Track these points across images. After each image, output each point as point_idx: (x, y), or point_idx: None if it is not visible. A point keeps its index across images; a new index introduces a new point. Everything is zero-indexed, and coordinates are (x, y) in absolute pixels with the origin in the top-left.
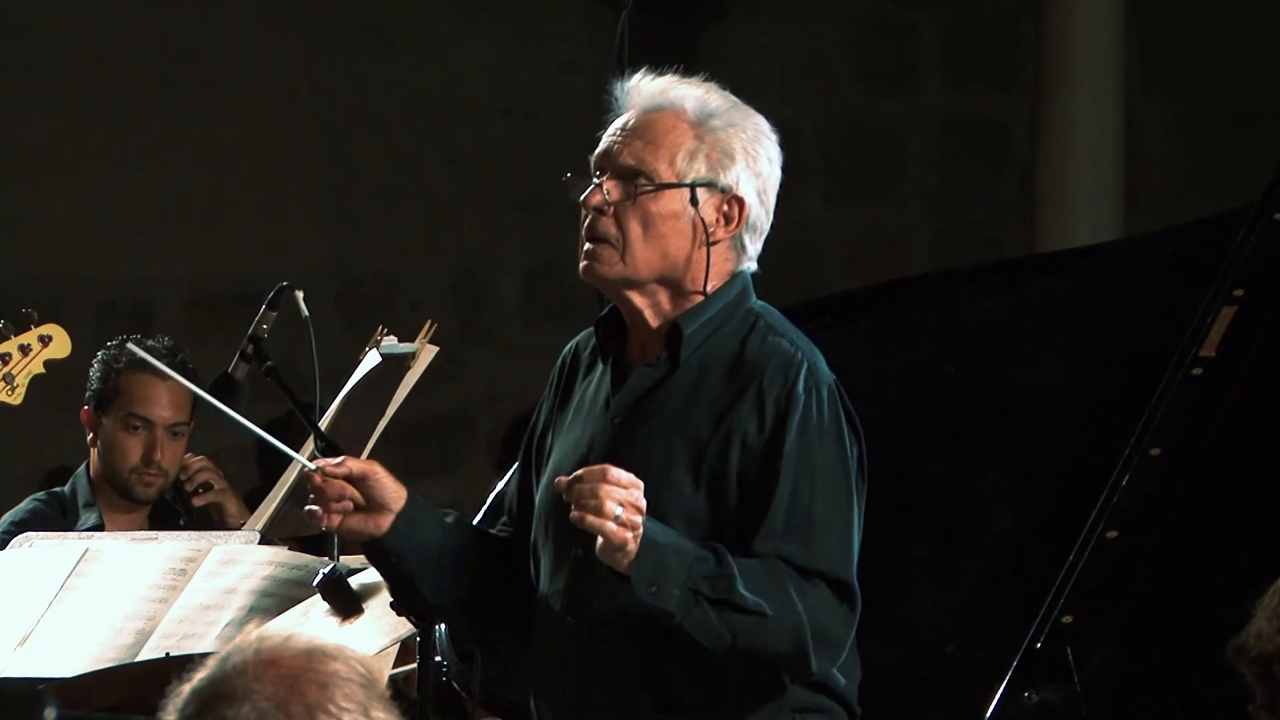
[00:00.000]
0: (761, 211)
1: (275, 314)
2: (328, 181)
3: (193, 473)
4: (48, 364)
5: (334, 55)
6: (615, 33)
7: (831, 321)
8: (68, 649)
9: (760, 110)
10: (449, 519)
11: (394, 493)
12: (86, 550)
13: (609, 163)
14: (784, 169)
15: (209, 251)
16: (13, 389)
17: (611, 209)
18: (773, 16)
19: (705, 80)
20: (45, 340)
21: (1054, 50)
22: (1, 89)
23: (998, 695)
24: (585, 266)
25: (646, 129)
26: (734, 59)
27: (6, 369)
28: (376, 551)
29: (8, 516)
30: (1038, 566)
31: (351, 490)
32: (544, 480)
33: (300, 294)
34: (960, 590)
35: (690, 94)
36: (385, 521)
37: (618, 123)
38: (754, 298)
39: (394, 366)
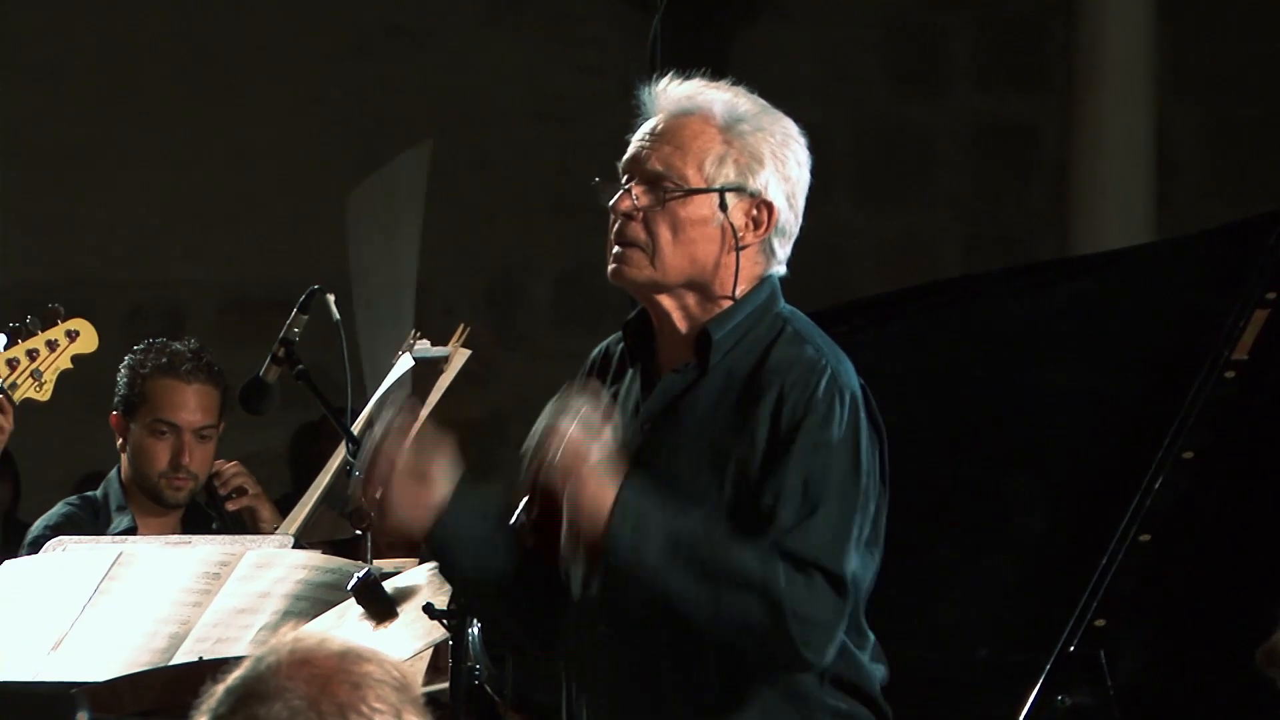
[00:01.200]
0: (790, 215)
1: (306, 317)
2: (357, 185)
3: (226, 478)
4: (76, 359)
5: (364, 59)
6: (646, 36)
7: (862, 325)
8: (101, 652)
9: (790, 114)
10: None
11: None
12: (120, 554)
13: (637, 168)
14: (814, 172)
15: (240, 255)
16: (41, 385)
17: (640, 214)
18: (803, 20)
19: (734, 84)
20: (72, 335)
21: (1085, 53)
22: (32, 93)
23: (1030, 699)
24: (614, 270)
25: (675, 134)
26: (764, 62)
27: (34, 365)
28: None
29: (41, 521)
30: (1069, 570)
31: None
32: None
33: (331, 297)
34: (992, 594)
35: (719, 98)
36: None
37: (645, 127)
38: (782, 302)
39: (427, 370)
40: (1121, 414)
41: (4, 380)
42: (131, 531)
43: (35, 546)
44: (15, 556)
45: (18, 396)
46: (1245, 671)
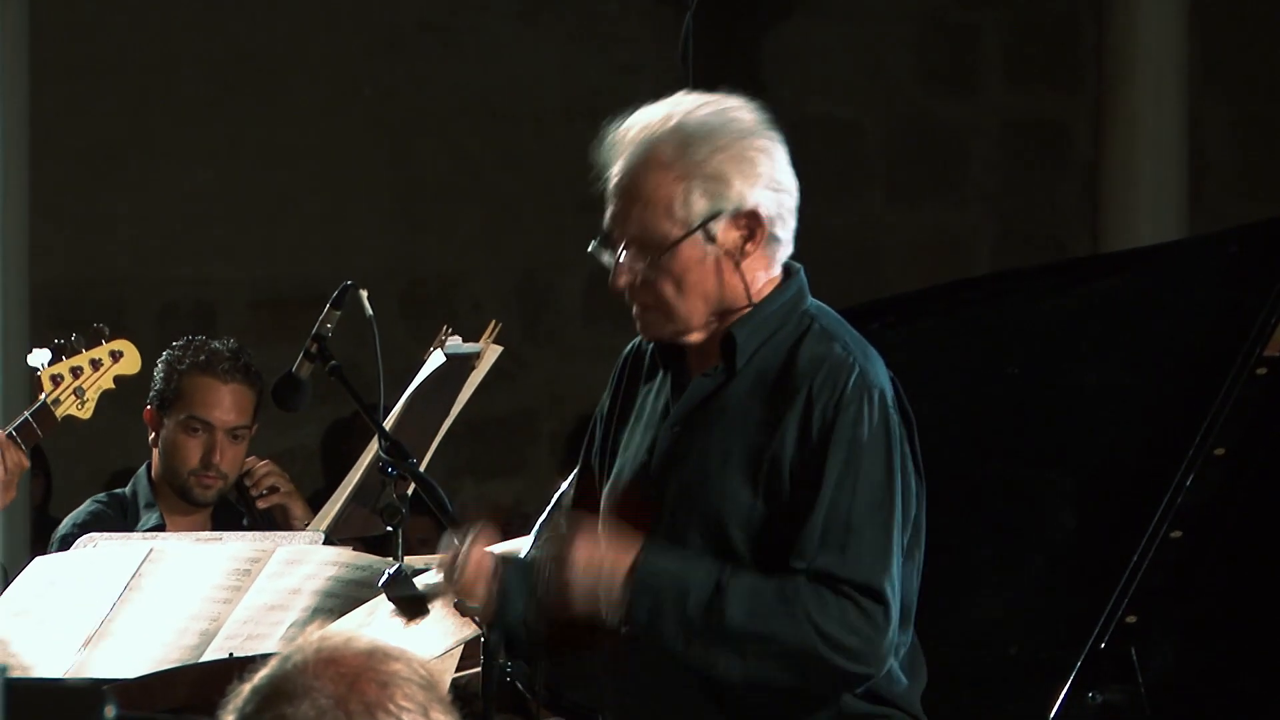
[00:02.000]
0: (777, 203)
1: (339, 313)
2: (390, 182)
3: (258, 477)
4: (117, 379)
5: (396, 56)
6: (678, 33)
7: (894, 322)
8: (132, 649)
9: (822, 111)
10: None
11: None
12: (151, 551)
13: (620, 232)
14: (846, 170)
15: (272, 252)
16: (83, 403)
17: (639, 280)
18: (835, 17)
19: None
20: (116, 356)
21: (1116, 50)
22: (65, 90)
23: (1062, 696)
24: (640, 330)
25: (637, 189)
26: (796, 60)
27: (77, 383)
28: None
29: (69, 518)
30: (1101, 567)
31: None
32: (608, 485)
33: (364, 293)
34: (1023, 591)
35: (663, 134)
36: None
37: (611, 183)
38: (809, 297)
39: (458, 367)
40: (1153, 411)
41: (48, 396)
42: (160, 529)
43: (64, 544)
44: (45, 553)
45: (60, 413)
46: (1276, 668)
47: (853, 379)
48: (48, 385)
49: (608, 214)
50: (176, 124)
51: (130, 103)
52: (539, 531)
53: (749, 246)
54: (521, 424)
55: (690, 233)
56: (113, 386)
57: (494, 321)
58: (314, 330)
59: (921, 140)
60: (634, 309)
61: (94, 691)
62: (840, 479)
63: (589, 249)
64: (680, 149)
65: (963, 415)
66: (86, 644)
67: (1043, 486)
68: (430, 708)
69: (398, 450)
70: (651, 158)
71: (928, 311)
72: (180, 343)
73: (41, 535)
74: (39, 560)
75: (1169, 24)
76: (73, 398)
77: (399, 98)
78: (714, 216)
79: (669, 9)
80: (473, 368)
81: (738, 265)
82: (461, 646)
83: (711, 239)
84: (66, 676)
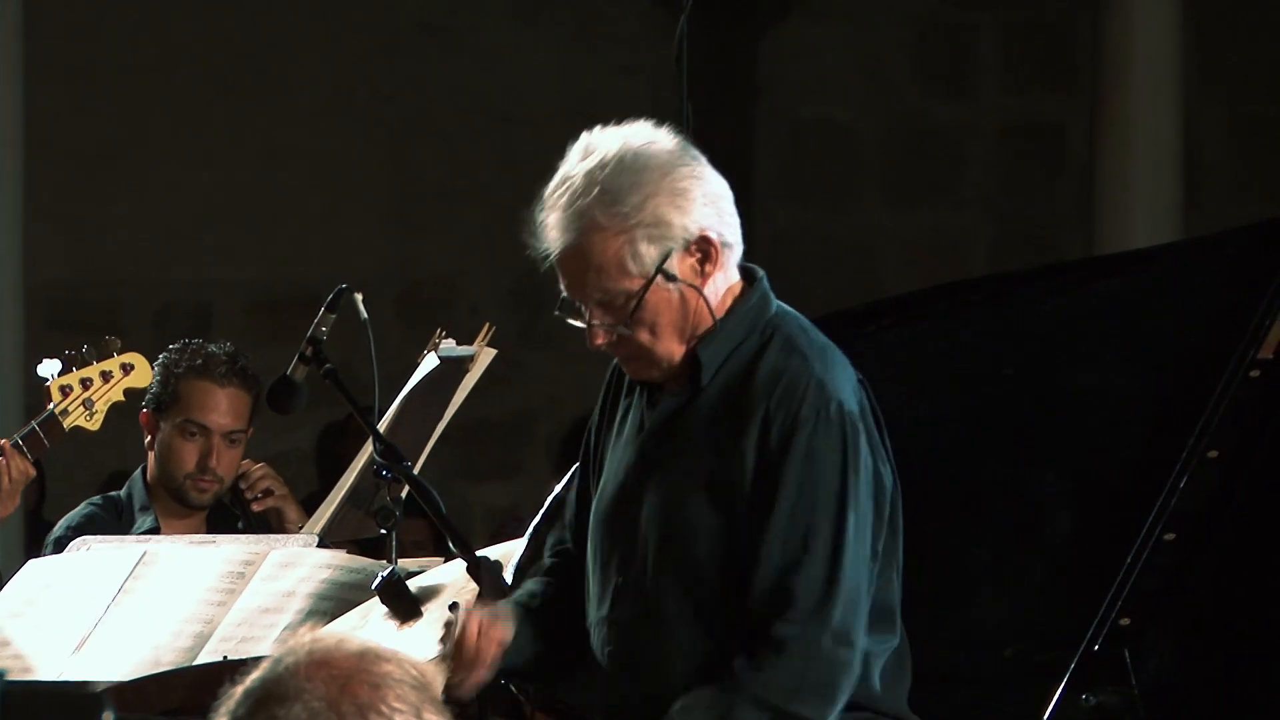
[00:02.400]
0: (717, 216)
1: (334, 316)
2: (387, 185)
3: (253, 480)
4: (127, 392)
5: (393, 59)
6: (674, 35)
7: (891, 324)
8: (125, 652)
9: (818, 113)
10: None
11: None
12: (144, 553)
13: (581, 298)
14: (843, 172)
15: (268, 254)
16: (92, 415)
17: (615, 336)
18: (831, 19)
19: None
20: (127, 369)
21: (1112, 52)
22: (62, 92)
23: (1055, 698)
24: (629, 374)
25: (585, 258)
26: (793, 62)
27: (87, 394)
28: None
29: (64, 521)
30: (1096, 568)
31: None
32: (595, 500)
33: (359, 296)
34: (1019, 593)
35: (587, 198)
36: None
37: (556, 258)
38: (773, 304)
39: (453, 369)
40: (1147, 413)
41: (56, 406)
42: (154, 532)
43: (58, 547)
44: (39, 556)
45: (68, 424)
46: (1271, 672)
47: (809, 394)
48: (56, 396)
49: (563, 284)
50: (173, 126)
51: (127, 104)
52: (532, 536)
53: (707, 267)
54: (517, 427)
55: (650, 281)
56: (122, 399)
57: (488, 325)
58: (309, 333)
59: (918, 142)
60: (619, 359)
61: (91, 695)
62: (796, 500)
63: (555, 313)
64: (610, 208)
65: (959, 416)
66: (80, 646)
67: (1039, 488)
68: (423, 709)
69: (392, 453)
70: (586, 225)
71: (924, 313)
72: (176, 346)
73: (36, 538)
74: (33, 563)
75: (1164, 26)
76: (81, 409)
77: (396, 100)
78: (666, 257)
79: (666, 11)
80: (467, 370)
81: (700, 289)
82: None
83: (672, 278)
84: (61, 679)
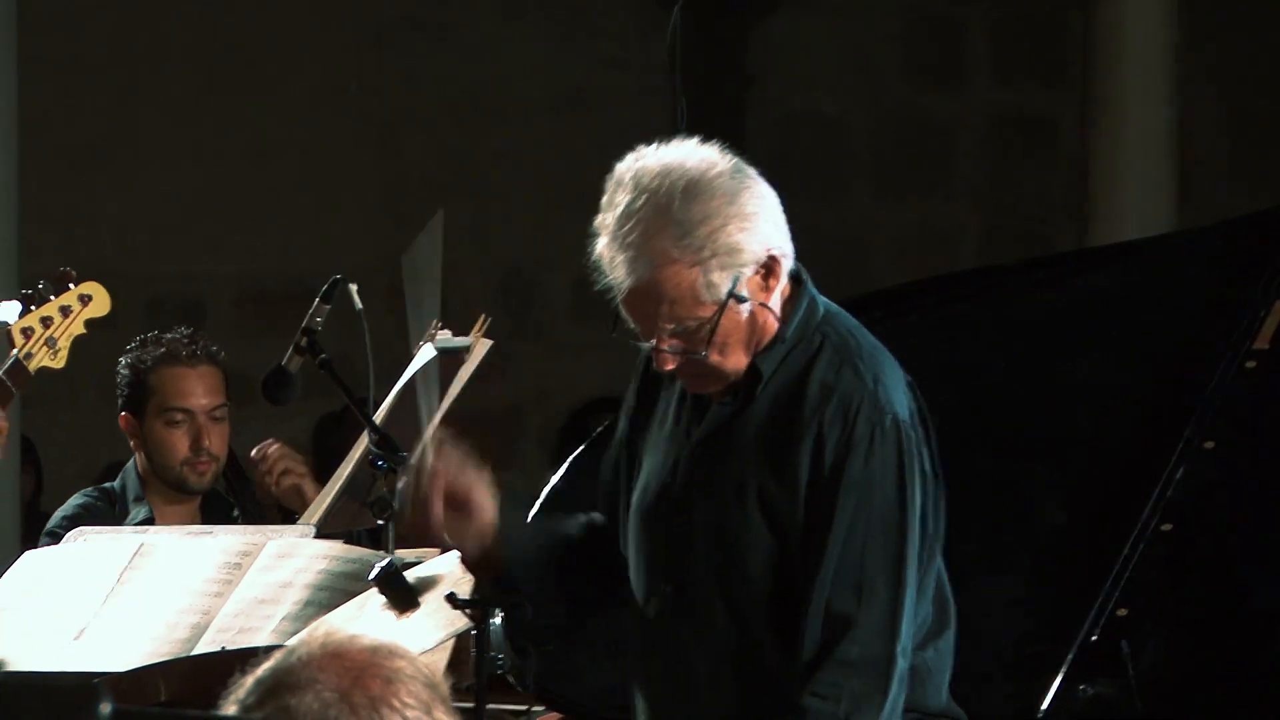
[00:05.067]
0: (776, 228)
1: (329, 307)
2: (377, 177)
3: (272, 461)
4: (89, 324)
5: (383, 52)
6: (664, 28)
7: (881, 316)
8: (123, 643)
9: (808, 106)
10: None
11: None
12: (141, 544)
13: (653, 331)
14: (833, 165)
15: (258, 247)
16: (55, 352)
17: (686, 360)
18: (822, 12)
19: (652, 179)
20: (85, 300)
21: (1103, 44)
22: (51, 85)
23: (1053, 689)
24: (690, 389)
25: (659, 292)
26: (783, 55)
27: (49, 332)
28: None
29: (59, 512)
30: (1091, 560)
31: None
32: (636, 490)
33: (354, 287)
34: (1014, 584)
35: (661, 237)
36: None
37: (625, 293)
38: (820, 308)
39: (449, 361)
40: (1142, 404)
41: (20, 350)
42: (149, 522)
43: (53, 538)
44: (35, 548)
45: (33, 366)
46: (1266, 661)
47: (863, 410)
48: (18, 339)
49: (632, 318)
50: (162, 120)
51: (117, 98)
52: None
53: (771, 282)
54: (509, 419)
55: (724, 306)
56: (84, 332)
57: (484, 315)
58: (304, 324)
59: (908, 135)
60: (688, 380)
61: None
62: (851, 525)
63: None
64: (681, 240)
65: (951, 410)
66: (77, 637)
67: (1032, 480)
68: (433, 706)
69: (388, 444)
70: (657, 261)
71: (915, 306)
72: (133, 344)
73: (32, 530)
74: (29, 554)
75: (1156, 17)
76: (45, 348)
77: (386, 93)
78: (737, 281)
79: (655, 4)
80: (463, 362)
81: (766, 304)
82: (454, 640)
83: (743, 300)
84: (57, 671)
